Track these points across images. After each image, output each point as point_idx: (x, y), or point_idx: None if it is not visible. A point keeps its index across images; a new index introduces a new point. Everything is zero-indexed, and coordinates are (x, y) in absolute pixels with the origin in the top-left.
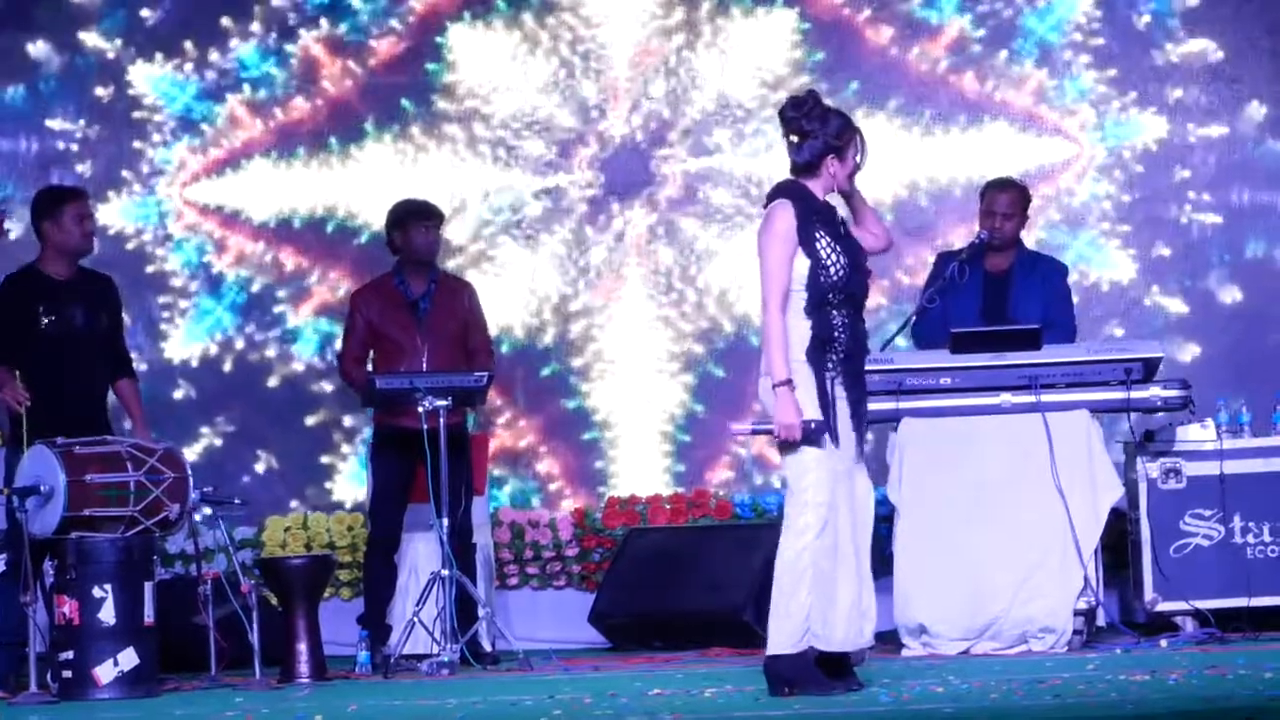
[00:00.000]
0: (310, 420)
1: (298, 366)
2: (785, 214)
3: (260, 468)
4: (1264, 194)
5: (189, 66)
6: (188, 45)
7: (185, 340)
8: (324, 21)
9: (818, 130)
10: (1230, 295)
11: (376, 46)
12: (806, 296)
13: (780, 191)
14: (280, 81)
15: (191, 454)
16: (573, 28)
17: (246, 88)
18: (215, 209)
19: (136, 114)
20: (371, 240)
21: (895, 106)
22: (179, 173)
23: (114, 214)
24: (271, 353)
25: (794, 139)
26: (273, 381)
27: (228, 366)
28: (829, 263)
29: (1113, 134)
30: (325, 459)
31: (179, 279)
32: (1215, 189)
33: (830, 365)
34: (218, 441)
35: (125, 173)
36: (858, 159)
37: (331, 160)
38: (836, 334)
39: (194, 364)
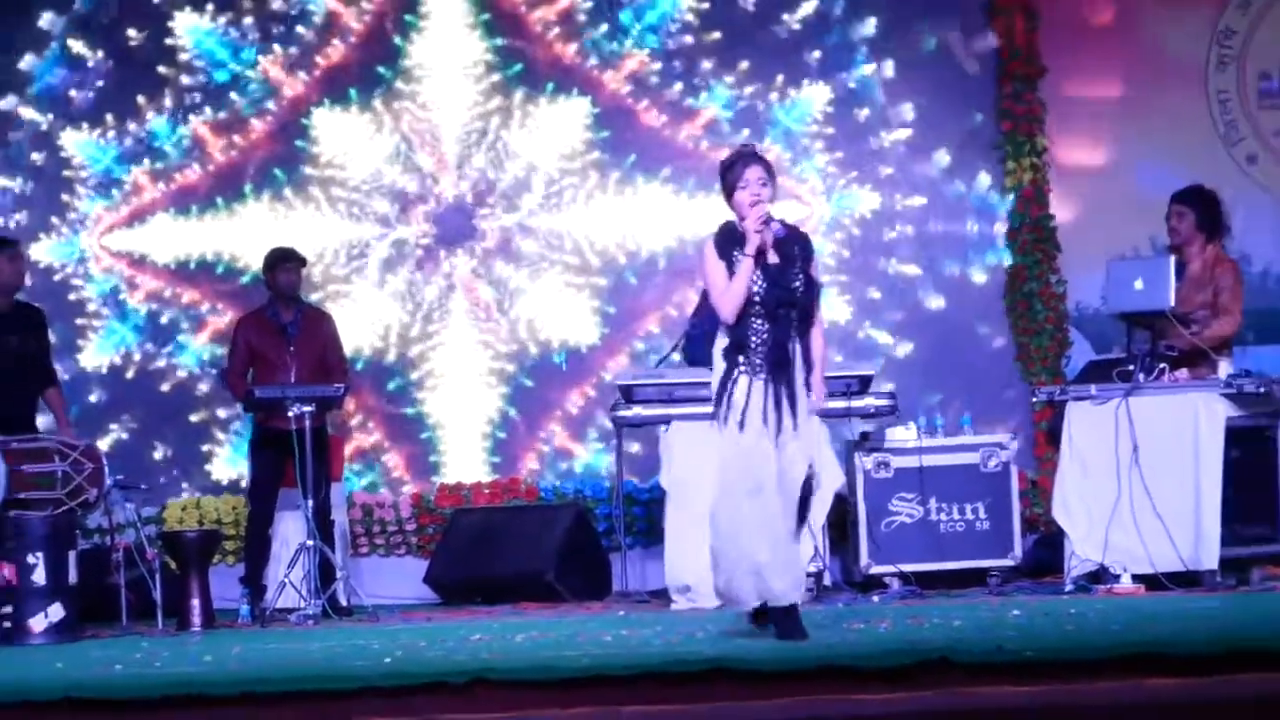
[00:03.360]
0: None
1: (182, 374)
2: (709, 247)
3: (157, 455)
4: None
5: (110, 135)
6: (109, 118)
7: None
8: (216, 103)
9: (722, 183)
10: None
11: (256, 124)
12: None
13: (716, 231)
14: (177, 153)
15: (104, 444)
16: (411, 110)
17: (148, 159)
18: (124, 254)
19: (65, 173)
20: (252, 279)
21: (666, 176)
22: (96, 224)
23: (42, 252)
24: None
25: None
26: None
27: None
28: (753, 282)
29: (836, 204)
30: (205, 447)
31: (93, 304)
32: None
33: (742, 364)
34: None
35: (54, 219)
36: (759, 188)
37: (219, 215)
38: (752, 339)
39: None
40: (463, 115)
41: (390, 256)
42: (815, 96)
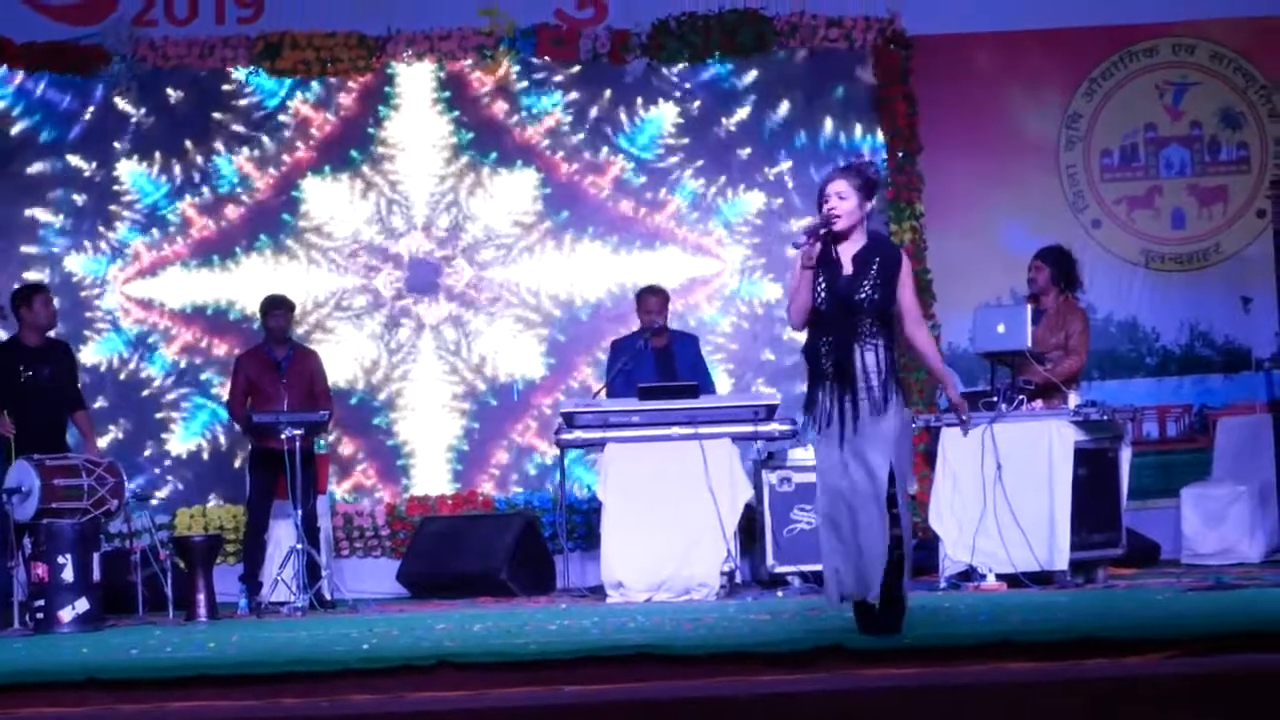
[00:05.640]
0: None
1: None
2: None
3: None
4: None
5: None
6: (105, 230)
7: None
8: (232, 165)
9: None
10: None
11: (255, 191)
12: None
13: None
14: (191, 213)
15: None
16: (387, 178)
17: (175, 211)
18: (144, 301)
19: (75, 279)
20: (240, 318)
21: (599, 236)
22: (119, 274)
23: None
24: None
25: None
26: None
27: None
28: (817, 292)
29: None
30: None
31: (156, 378)
32: None
33: (819, 374)
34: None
35: (87, 314)
36: (836, 200)
37: (224, 267)
38: (821, 348)
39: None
40: (430, 184)
41: (368, 303)
42: (659, 119)
